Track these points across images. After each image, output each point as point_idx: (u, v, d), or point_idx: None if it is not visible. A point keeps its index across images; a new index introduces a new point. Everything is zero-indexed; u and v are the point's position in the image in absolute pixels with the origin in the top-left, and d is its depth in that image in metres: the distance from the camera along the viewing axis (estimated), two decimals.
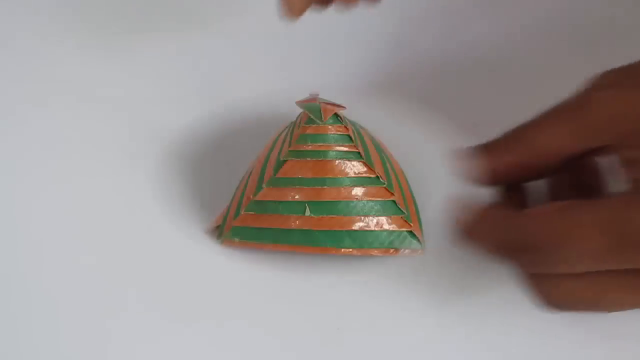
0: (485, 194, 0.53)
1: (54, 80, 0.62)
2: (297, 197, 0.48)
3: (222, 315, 0.47)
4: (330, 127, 0.48)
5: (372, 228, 0.49)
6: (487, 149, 0.43)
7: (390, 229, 0.49)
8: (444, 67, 0.63)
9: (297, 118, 0.51)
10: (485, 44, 0.64)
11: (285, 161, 0.48)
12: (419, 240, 0.49)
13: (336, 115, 0.48)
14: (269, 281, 0.49)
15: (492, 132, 0.58)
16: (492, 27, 0.66)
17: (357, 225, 0.48)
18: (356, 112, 0.52)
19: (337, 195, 0.48)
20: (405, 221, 0.49)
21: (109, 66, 0.63)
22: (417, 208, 0.52)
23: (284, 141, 0.50)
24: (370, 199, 0.48)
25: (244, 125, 0.58)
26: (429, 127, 0.59)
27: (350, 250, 0.49)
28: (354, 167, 0.48)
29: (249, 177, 0.51)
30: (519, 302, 0.47)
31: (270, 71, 0.62)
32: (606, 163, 0.41)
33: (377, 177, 0.48)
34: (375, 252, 0.49)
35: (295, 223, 0.48)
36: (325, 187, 0.48)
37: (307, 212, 0.48)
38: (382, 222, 0.49)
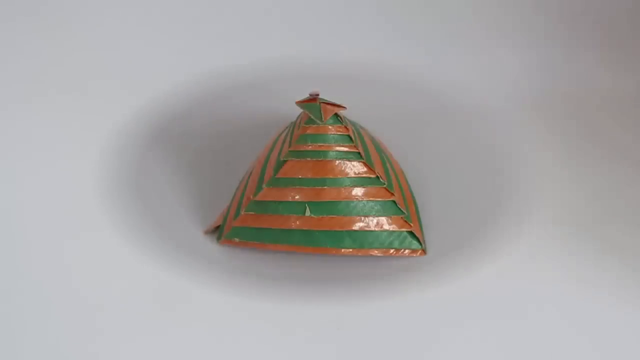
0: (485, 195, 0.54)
1: (53, 79, 0.62)
2: (297, 197, 0.48)
3: (222, 315, 0.47)
4: (330, 127, 0.48)
5: (372, 228, 0.49)
6: None
7: (391, 229, 0.49)
8: (444, 66, 0.63)
9: (297, 118, 0.51)
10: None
11: (285, 161, 0.48)
12: (419, 241, 0.49)
13: (336, 115, 0.48)
14: (269, 281, 0.49)
15: (493, 131, 0.58)
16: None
17: (357, 226, 0.48)
18: (356, 112, 0.52)
19: (337, 196, 0.48)
20: (405, 221, 0.49)
21: (112, 65, 0.63)
22: (417, 208, 0.52)
23: (284, 141, 0.50)
24: (371, 199, 0.48)
25: (244, 125, 0.58)
26: (429, 127, 0.59)
27: (351, 250, 0.49)
28: (354, 168, 0.48)
29: (249, 177, 0.51)
30: (518, 302, 0.47)
31: (271, 71, 0.62)
32: None
33: (377, 177, 0.48)
34: (375, 252, 0.49)
35: (296, 223, 0.48)
36: (325, 187, 0.48)
37: (307, 213, 0.48)
38: (382, 223, 0.49)
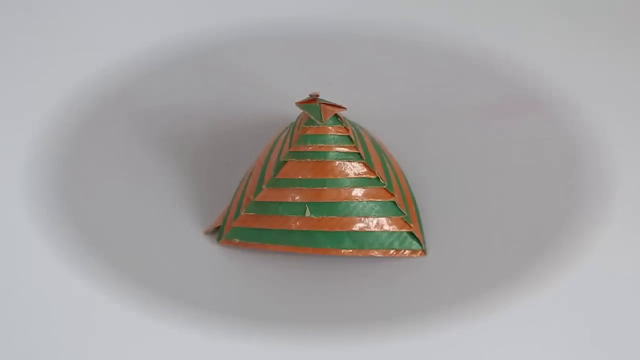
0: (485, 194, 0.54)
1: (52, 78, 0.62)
2: (297, 198, 0.48)
3: (222, 315, 0.47)
4: (330, 128, 0.48)
5: (372, 229, 0.49)
6: None
7: (391, 229, 0.49)
8: (444, 67, 0.63)
9: (297, 119, 0.51)
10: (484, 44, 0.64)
11: (285, 162, 0.48)
12: (419, 241, 0.49)
13: (336, 116, 0.48)
14: (269, 282, 0.49)
15: (492, 130, 0.58)
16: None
17: (357, 226, 0.48)
18: (356, 112, 0.52)
19: (337, 196, 0.48)
20: (406, 222, 0.49)
21: (112, 69, 0.63)
22: (417, 209, 0.52)
23: (284, 142, 0.50)
24: (371, 199, 0.48)
25: (244, 126, 0.58)
26: (429, 127, 0.59)
27: (351, 251, 0.49)
28: (354, 168, 0.48)
29: (249, 178, 0.51)
30: (518, 302, 0.47)
31: (270, 71, 0.62)
32: None
33: (377, 178, 0.48)
34: (375, 252, 0.49)
35: (296, 224, 0.48)
36: (325, 188, 0.48)
37: (307, 213, 0.48)
38: (382, 223, 0.49)
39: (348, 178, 0.48)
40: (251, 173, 0.51)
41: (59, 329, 0.46)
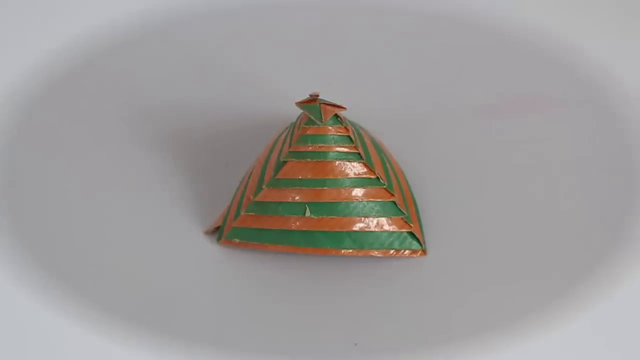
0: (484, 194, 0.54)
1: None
2: (297, 198, 0.48)
3: (222, 315, 0.47)
4: (330, 128, 0.48)
5: (373, 229, 0.49)
6: None
7: (391, 229, 0.49)
8: (444, 67, 0.63)
9: (297, 119, 0.51)
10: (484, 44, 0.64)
11: (285, 162, 0.48)
12: (419, 241, 0.49)
13: (336, 116, 0.48)
14: (269, 282, 0.49)
15: (493, 130, 0.58)
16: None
17: (357, 226, 0.48)
18: (356, 112, 0.52)
19: (337, 196, 0.48)
20: (406, 222, 0.49)
21: (112, 68, 0.63)
22: (417, 209, 0.52)
23: (284, 142, 0.50)
24: (371, 199, 0.48)
25: (244, 126, 0.58)
26: (429, 127, 0.59)
27: (351, 251, 0.49)
28: (354, 168, 0.48)
29: (249, 178, 0.51)
30: (518, 302, 0.47)
31: (271, 71, 0.62)
32: None
33: (377, 177, 0.48)
34: (375, 252, 0.49)
35: (296, 224, 0.48)
36: (325, 188, 0.48)
37: (307, 213, 0.48)
38: (382, 223, 0.49)
39: (348, 178, 0.48)
40: (251, 173, 0.51)
41: (57, 331, 0.46)
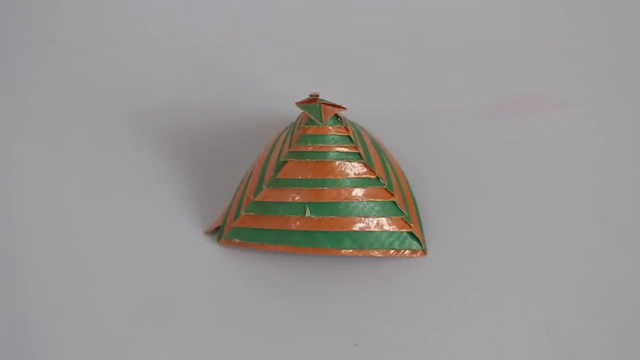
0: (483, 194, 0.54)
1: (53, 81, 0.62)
2: (297, 198, 0.48)
3: (222, 315, 0.47)
4: (330, 128, 0.48)
5: (373, 229, 0.49)
6: None
7: (391, 229, 0.49)
8: (444, 67, 0.63)
9: (297, 119, 0.51)
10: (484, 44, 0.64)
11: (285, 162, 0.48)
12: (419, 241, 0.49)
13: (336, 116, 0.48)
14: (269, 282, 0.49)
15: (493, 130, 0.58)
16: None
17: (357, 226, 0.48)
18: (356, 112, 0.52)
19: (337, 196, 0.48)
20: (406, 222, 0.49)
21: (112, 69, 0.63)
22: (417, 209, 0.52)
23: (284, 142, 0.50)
24: (371, 199, 0.48)
25: (244, 126, 0.58)
26: (429, 127, 0.59)
27: (351, 251, 0.49)
28: (354, 168, 0.48)
29: (249, 178, 0.51)
30: (518, 302, 0.47)
31: (271, 71, 0.62)
32: None
33: (377, 178, 0.48)
34: (375, 252, 0.49)
35: (296, 224, 0.48)
36: (325, 188, 0.48)
37: (307, 213, 0.48)
38: (382, 223, 0.49)
39: (348, 178, 0.48)
40: (251, 173, 0.51)
41: (57, 331, 0.46)
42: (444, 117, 0.59)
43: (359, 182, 0.48)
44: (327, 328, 0.47)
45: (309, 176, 0.48)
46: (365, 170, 0.48)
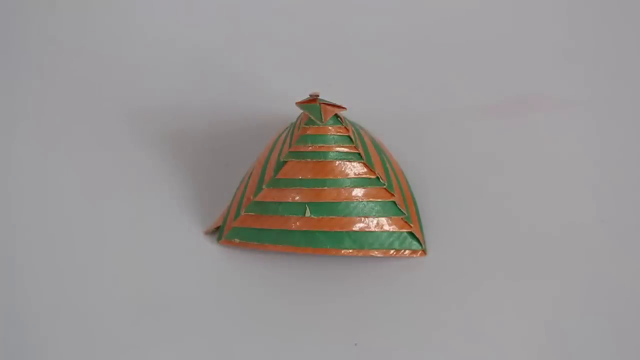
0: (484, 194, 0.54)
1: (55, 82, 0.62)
2: (297, 198, 0.48)
3: (222, 315, 0.47)
4: (330, 128, 0.48)
5: (373, 229, 0.49)
6: None
7: (391, 229, 0.49)
8: (444, 67, 0.63)
9: (297, 119, 0.51)
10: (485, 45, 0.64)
11: (285, 162, 0.48)
12: (419, 241, 0.49)
13: (336, 116, 0.48)
14: (269, 282, 0.49)
15: (493, 130, 0.58)
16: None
17: (358, 226, 0.48)
18: (356, 112, 0.52)
19: (337, 196, 0.48)
20: (406, 222, 0.49)
21: (112, 69, 0.63)
22: (417, 209, 0.52)
23: (284, 142, 0.50)
24: (371, 199, 0.48)
25: (244, 126, 0.58)
26: (429, 127, 0.59)
27: (351, 251, 0.49)
28: (354, 168, 0.48)
29: (249, 178, 0.51)
30: (518, 302, 0.47)
31: (270, 71, 0.62)
32: None
33: (377, 178, 0.48)
34: (375, 252, 0.49)
35: (296, 224, 0.48)
36: (325, 188, 0.48)
37: (307, 213, 0.48)
38: (382, 223, 0.49)
39: (348, 178, 0.48)
40: (251, 173, 0.51)
41: (57, 331, 0.46)
42: (444, 117, 0.59)
43: (359, 182, 0.48)
44: (327, 328, 0.47)
45: (309, 176, 0.48)
46: (365, 170, 0.48)
